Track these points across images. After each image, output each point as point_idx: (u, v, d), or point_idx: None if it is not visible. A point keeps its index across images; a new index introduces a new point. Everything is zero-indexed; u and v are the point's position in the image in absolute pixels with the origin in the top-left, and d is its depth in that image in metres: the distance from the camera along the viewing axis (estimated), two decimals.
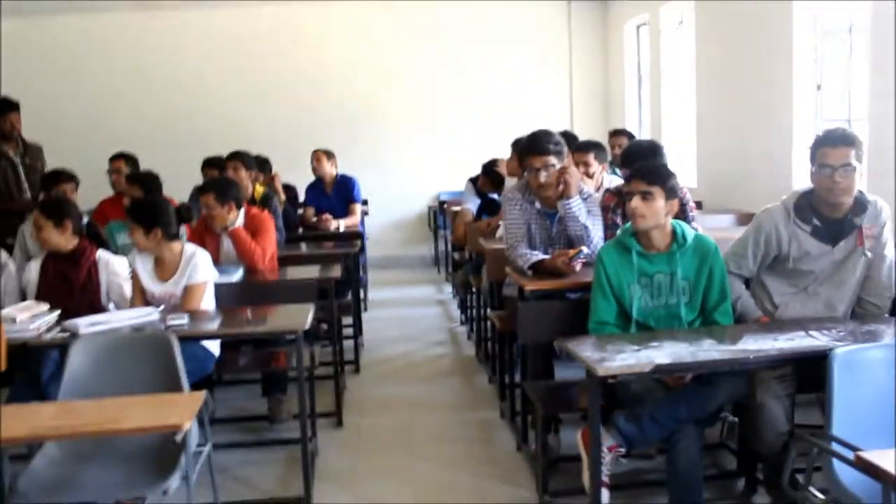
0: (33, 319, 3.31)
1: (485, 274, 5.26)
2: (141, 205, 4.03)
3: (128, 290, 3.93)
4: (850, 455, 2.23)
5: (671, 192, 3.21)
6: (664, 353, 2.66)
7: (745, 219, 5.66)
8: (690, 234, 3.25)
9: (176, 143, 8.91)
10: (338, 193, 6.80)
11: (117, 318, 3.36)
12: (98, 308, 3.79)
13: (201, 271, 3.89)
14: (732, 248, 3.38)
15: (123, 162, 5.71)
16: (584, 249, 3.71)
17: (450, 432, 4.44)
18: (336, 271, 4.70)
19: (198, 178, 6.31)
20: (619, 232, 3.35)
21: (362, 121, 9.58)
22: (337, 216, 6.63)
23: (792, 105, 5.40)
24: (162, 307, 3.64)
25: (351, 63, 9.58)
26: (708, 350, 2.70)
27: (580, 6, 9.70)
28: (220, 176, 5.51)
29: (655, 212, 3.17)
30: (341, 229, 6.52)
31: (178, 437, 2.39)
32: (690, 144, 7.24)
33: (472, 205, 6.15)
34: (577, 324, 3.37)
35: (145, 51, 9.36)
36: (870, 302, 3.30)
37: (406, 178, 9.75)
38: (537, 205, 4.01)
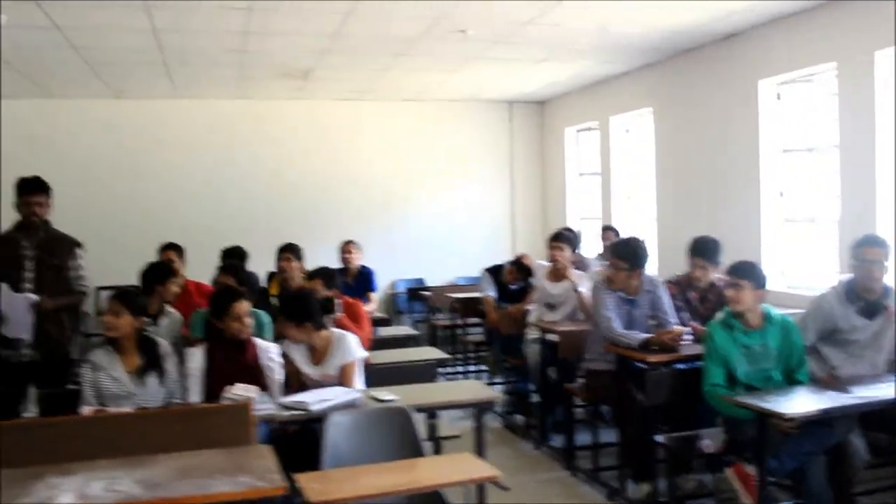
0: (259, 399, 3.80)
1: (529, 353, 6.10)
2: (291, 302, 4.51)
3: (280, 375, 4.42)
4: None
5: (758, 283, 4.21)
6: (816, 400, 3.64)
7: None
8: (777, 315, 4.26)
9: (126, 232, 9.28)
10: (358, 283, 7.43)
11: (333, 395, 3.89)
12: (265, 390, 4.24)
13: (352, 350, 4.41)
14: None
15: (173, 252, 6.21)
16: (686, 331, 4.67)
17: (535, 491, 5.12)
18: (434, 352, 5.39)
19: None
20: (722, 315, 4.32)
21: (322, 213, 10.24)
22: None
23: (759, 208, 6.67)
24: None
25: (307, 155, 10.26)
26: (844, 398, 3.68)
27: (522, 109, 10.97)
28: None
29: (745, 298, 4.15)
30: None
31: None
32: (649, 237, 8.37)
33: (492, 292, 6.99)
34: (687, 388, 4.31)
35: (122, 141, 9.72)
36: None
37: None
38: (620, 294, 4.95)
